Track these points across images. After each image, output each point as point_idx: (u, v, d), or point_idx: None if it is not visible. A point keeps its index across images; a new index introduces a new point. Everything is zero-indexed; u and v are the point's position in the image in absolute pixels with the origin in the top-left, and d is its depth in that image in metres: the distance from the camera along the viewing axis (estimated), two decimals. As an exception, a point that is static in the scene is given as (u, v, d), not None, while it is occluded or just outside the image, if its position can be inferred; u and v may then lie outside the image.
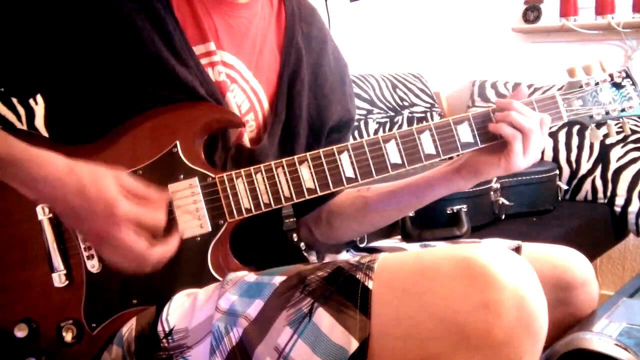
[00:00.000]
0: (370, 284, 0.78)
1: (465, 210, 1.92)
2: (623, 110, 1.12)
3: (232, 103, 1.02)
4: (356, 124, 2.40)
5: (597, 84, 1.11)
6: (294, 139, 1.09)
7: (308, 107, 1.10)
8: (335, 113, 1.15)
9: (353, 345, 0.75)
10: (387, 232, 1.89)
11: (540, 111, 1.06)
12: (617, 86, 1.12)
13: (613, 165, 2.31)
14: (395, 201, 1.12)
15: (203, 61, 1.00)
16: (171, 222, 0.93)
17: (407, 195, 1.11)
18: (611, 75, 1.12)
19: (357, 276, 0.79)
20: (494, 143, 1.03)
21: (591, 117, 1.11)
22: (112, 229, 0.84)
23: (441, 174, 1.08)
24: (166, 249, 0.89)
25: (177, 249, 0.91)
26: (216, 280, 0.93)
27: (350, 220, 1.16)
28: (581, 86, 1.11)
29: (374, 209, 1.13)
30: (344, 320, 0.76)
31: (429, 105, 2.70)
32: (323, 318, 0.77)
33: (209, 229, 0.95)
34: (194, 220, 0.94)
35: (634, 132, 2.29)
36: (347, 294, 0.78)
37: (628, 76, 1.13)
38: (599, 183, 2.32)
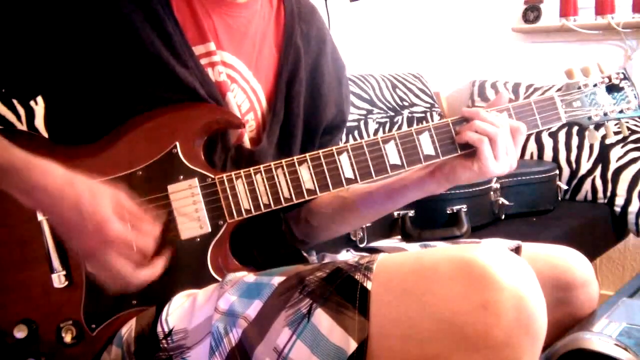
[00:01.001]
0: (369, 285, 0.78)
1: (465, 210, 1.92)
2: (621, 111, 1.13)
3: (232, 103, 1.02)
4: (356, 124, 2.40)
5: (595, 85, 1.11)
6: (291, 139, 1.09)
7: (304, 106, 1.10)
8: (330, 114, 1.15)
9: (352, 346, 0.75)
10: (387, 232, 1.89)
11: (539, 112, 1.06)
12: (616, 87, 1.13)
13: (613, 165, 2.31)
14: (371, 202, 1.12)
15: (203, 61, 1.00)
16: (169, 218, 0.93)
17: (382, 196, 1.11)
18: (609, 77, 1.13)
19: (356, 277, 0.79)
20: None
21: (589, 118, 1.11)
22: (100, 247, 0.84)
23: (416, 177, 1.08)
24: (150, 272, 0.89)
25: (178, 244, 0.91)
26: (216, 280, 0.93)
27: (328, 220, 1.16)
28: (579, 87, 1.11)
29: (351, 209, 1.14)
30: (342, 321, 0.76)
31: (429, 106, 2.70)
32: (322, 319, 0.77)
33: (209, 229, 0.95)
34: (194, 221, 0.94)
35: (633, 132, 2.29)
36: (345, 294, 0.78)
37: (626, 77, 1.14)
38: (598, 183, 2.32)
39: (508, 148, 1.00)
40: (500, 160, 1.00)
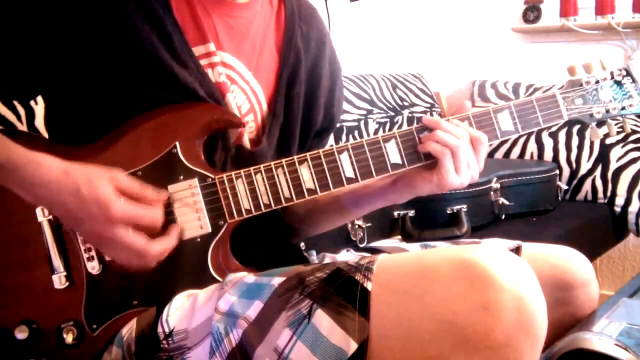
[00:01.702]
0: (369, 286, 0.78)
1: (465, 210, 1.92)
2: (623, 108, 1.12)
3: (232, 104, 1.02)
4: (356, 124, 2.40)
5: (597, 82, 1.11)
6: (290, 141, 1.09)
7: (302, 108, 1.10)
8: (322, 116, 1.15)
9: (352, 346, 0.75)
10: (387, 232, 1.89)
11: (541, 110, 1.06)
12: (618, 84, 1.12)
13: (613, 165, 2.31)
14: (339, 206, 1.12)
15: (203, 62, 1.00)
16: (169, 219, 0.93)
17: (349, 202, 1.11)
18: (612, 74, 1.12)
19: (356, 277, 0.79)
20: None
21: (591, 115, 1.11)
22: (108, 229, 0.84)
23: (379, 185, 1.07)
24: (166, 242, 0.89)
25: (178, 243, 0.91)
26: (216, 281, 0.93)
27: (300, 220, 1.17)
28: (581, 84, 1.10)
29: (321, 212, 1.14)
30: (342, 322, 0.76)
31: (429, 106, 2.70)
32: (322, 319, 0.77)
33: (209, 229, 0.95)
34: (194, 221, 0.94)
35: (634, 131, 2.29)
36: (346, 295, 0.78)
37: (629, 74, 1.13)
38: (599, 183, 2.32)
39: (469, 160, 0.99)
40: (461, 173, 0.98)
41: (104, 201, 0.84)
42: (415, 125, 1.02)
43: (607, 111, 1.11)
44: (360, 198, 1.10)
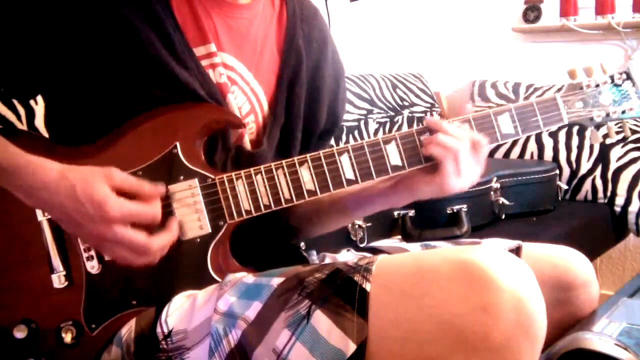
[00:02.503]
0: (368, 286, 0.78)
1: (466, 210, 1.92)
2: (624, 112, 1.12)
3: (232, 105, 1.02)
4: (356, 124, 2.40)
5: (597, 85, 1.11)
6: (291, 142, 1.09)
7: (304, 109, 1.10)
8: (325, 117, 1.15)
9: (351, 347, 0.75)
10: (387, 232, 1.89)
11: (541, 113, 1.06)
12: (618, 88, 1.12)
13: (613, 165, 2.31)
14: (342, 207, 1.13)
15: (204, 63, 0.99)
16: (168, 213, 0.93)
17: (351, 203, 1.11)
18: (612, 77, 1.12)
19: (355, 278, 0.79)
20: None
21: (592, 119, 1.11)
22: (107, 229, 0.84)
23: (380, 188, 1.07)
24: (167, 235, 0.89)
25: (178, 242, 0.91)
26: (216, 281, 0.93)
27: (303, 221, 1.17)
28: (582, 88, 1.10)
29: (325, 212, 1.14)
30: (341, 323, 0.76)
31: (429, 105, 2.70)
32: (321, 320, 0.77)
33: (209, 230, 0.95)
34: (194, 221, 0.94)
35: (634, 132, 2.29)
36: (344, 296, 0.78)
37: (629, 78, 1.13)
38: (599, 183, 2.32)
39: (471, 163, 0.99)
40: (462, 176, 0.98)
41: (100, 201, 0.83)
42: (415, 127, 1.02)
43: (608, 115, 1.11)
44: (362, 200, 1.10)
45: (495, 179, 2.05)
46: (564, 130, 2.40)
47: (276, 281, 0.84)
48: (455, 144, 0.98)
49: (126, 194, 0.86)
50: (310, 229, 1.19)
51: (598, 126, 1.13)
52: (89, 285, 0.93)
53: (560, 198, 2.30)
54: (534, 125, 1.06)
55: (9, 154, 0.85)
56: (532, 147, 2.47)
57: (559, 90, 1.11)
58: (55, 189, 0.84)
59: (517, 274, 0.74)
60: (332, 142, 1.22)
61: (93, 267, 0.93)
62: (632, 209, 2.25)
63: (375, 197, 1.09)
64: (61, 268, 0.93)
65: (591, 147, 2.35)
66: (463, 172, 0.98)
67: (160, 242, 0.88)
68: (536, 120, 1.06)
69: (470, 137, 1.00)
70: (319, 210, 1.14)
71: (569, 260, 1.11)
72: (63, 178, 0.84)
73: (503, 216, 2.09)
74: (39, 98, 1.04)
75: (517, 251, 1.07)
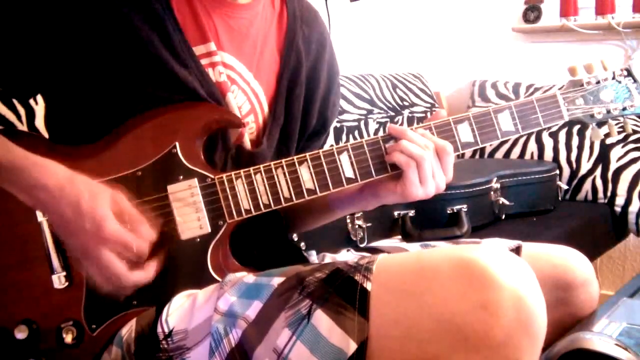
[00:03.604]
0: (368, 286, 0.78)
1: (466, 210, 1.92)
2: (624, 109, 1.11)
3: (232, 104, 1.02)
4: (356, 124, 2.40)
5: (598, 82, 1.10)
6: (289, 142, 1.09)
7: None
8: (316, 119, 1.15)
9: (351, 347, 0.75)
10: (387, 232, 1.89)
11: (541, 110, 1.06)
12: (619, 85, 1.12)
13: (613, 165, 2.31)
14: (313, 208, 1.13)
15: (203, 62, 0.99)
16: (167, 213, 0.93)
17: (333, 202, 1.11)
18: (613, 74, 1.11)
19: (356, 277, 0.79)
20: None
21: (592, 116, 1.10)
22: (96, 247, 0.84)
23: (349, 192, 1.07)
24: (144, 275, 0.89)
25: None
26: (216, 281, 0.93)
27: (294, 214, 1.17)
28: (582, 85, 1.10)
29: (314, 208, 1.14)
30: (342, 322, 0.76)
31: (429, 105, 2.70)
32: (321, 320, 0.77)
33: (209, 229, 0.95)
34: (194, 221, 0.94)
35: (634, 132, 2.29)
36: (345, 295, 0.78)
37: (630, 74, 1.12)
38: (599, 183, 2.32)
39: (435, 171, 0.97)
40: (425, 184, 0.97)
41: (100, 219, 0.84)
42: (381, 134, 1.01)
43: (608, 111, 1.11)
44: (332, 202, 1.11)
45: (495, 179, 2.05)
46: (564, 130, 2.40)
47: (276, 281, 0.84)
48: (418, 151, 0.96)
49: (124, 223, 0.86)
50: (299, 223, 1.20)
51: (599, 123, 1.13)
52: (89, 285, 0.93)
53: (560, 198, 2.30)
54: (534, 123, 1.06)
55: (14, 154, 0.85)
56: (532, 147, 2.46)
57: (560, 89, 1.10)
58: (60, 194, 0.84)
59: (517, 272, 0.74)
60: (332, 141, 1.22)
61: (93, 267, 0.93)
62: (632, 209, 2.25)
63: (343, 201, 1.09)
64: (61, 268, 0.93)
65: (591, 147, 2.35)
66: (427, 180, 0.97)
67: (136, 279, 0.88)
68: (536, 117, 1.06)
69: (435, 144, 0.98)
70: (310, 206, 1.14)
71: (568, 260, 1.11)
72: (70, 184, 0.84)
73: (503, 216, 2.09)
74: (39, 98, 1.04)
75: (517, 251, 1.07)
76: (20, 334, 0.91)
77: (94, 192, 0.85)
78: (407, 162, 0.96)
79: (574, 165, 2.37)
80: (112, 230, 0.84)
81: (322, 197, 1.02)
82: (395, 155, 0.98)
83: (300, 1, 1.14)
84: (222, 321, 0.83)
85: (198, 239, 0.95)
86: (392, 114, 2.56)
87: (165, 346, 0.86)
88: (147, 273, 0.89)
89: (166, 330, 0.87)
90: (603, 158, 2.33)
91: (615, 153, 2.31)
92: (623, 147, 2.31)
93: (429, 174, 0.97)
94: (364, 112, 2.45)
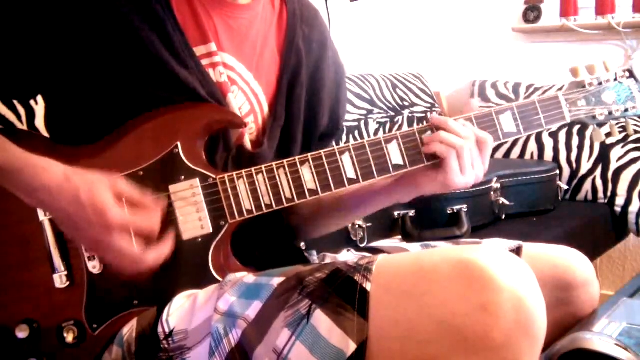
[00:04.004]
0: (368, 286, 0.78)
1: (466, 210, 1.92)
2: (626, 110, 1.11)
3: (233, 104, 1.02)
4: (356, 124, 2.40)
5: (600, 83, 1.10)
6: (292, 143, 1.09)
7: (304, 111, 1.10)
8: (327, 119, 1.15)
9: (351, 347, 0.75)
10: (387, 232, 1.89)
11: (543, 112, 1.06)
12: (621, 86, 1.11)
13: (613, 165, 2.31)
14: (343, 207, 1.13)
15: (204, 62, 0.99)
16: (167, 225, 0.93)
17: (353, 202, 1.12)
18: (615, 75, 1.11)
19: (355, 278, 0.79)
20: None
21: (594, 117, 1.10)
22: (105, 235, 0.85)
23: (383, 184, 1.07)
24: (160, 251, 0.89)
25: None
26: (217, 281, 0.93)
27: (304, 222, 1.17)
28: (584, 86, 1.10)
29: (325, 212, 1.14)
30: (341, 323, 0.76)
31: (429, 105, 2.70)
32: (321, 320, 0.77)
33: (210, 229, 0.95)
34: (195, 221, 0.94)
35: (635, 132, 2.29)
36: (345, 296, 0.78)
37: (632, 76, 1.12)
38: (599, 183, 2.32)
39: (474, 160, 0.99)
40: (465, 173, 0.99)
41: (102, 208, 0.84)
42: (416, 126, 1.02)
43: (610, 113, 1.10)
44: (365, 198, 1.11)
45: (495, 179, 2.05)
46: (564, 130, 2.41)
47: (276, 281, 0.84)
48: (458, 142, 0.98)
49: (128, 203, 0.87)
50: (312, 229, 1.20)
51: (600, 125, 1.12)
52: (91, 285, 0.93)
53: (560, 198, 2.31)
54: (537, 124, 1.06)
55: (9, 153, 0.85)
56: (532, 147, 2.47)
57: (561, 89, 1.10)
58: (58, 191, 0.84)
59: (517, 273, 0.74)
60: (333, 142, 1.22)
61: (94, 267, 0.93)
62: (632, 209, 2.25)
63: (378, 194, 1.09)
64: (62, 268, 0.93)
65: (591, 147, 2.36)
66: (466, 169, 0.99)
67: (154, 256, 0.88)
68: (538, 118, 1.06)
69: (475, 135, 1.00)
70: (321, 210, 1.15)
71: (569, 260, 1.11)
72: (67, 181, 0.84)
73: (503, 216, 2.09)
74: (39, 98, 1.04)
75: (517, 251, 1.07)
76: (22, 333, 0.91)
77: (91, 183, 0.85)
78: (448, 151, 0.98)
79: (574, 166, 2.37)
80: (117, 216, 0.84)
81: (347, 196, 1.03)
82: (435, 145, 0.99)
83: (300, 1, 1.14)
84: (222, 321, 0.83)
85: (200, 239, 0.95)
86: (392, 114, 2.56)
87: (166, 346, 0.86)
88: (163, 249, 0.90)
89: (167, 330, 0.87)
90: (603, 158, 2.33)
91: (615, 153, 2.31)
92: (623, 147, 2.31)
93: (469, 163, 0.99)
94: (364, 112, 2.46)
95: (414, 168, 1.01)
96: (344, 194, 1.10)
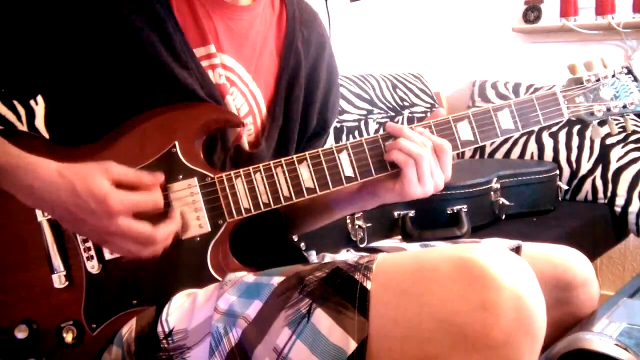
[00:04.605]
0: (368, 285, 0.78)
1: (466, 210, 1.92)
2: (625, 107, 1.11)
3: (231, 106, 1.02)
4: (356, 124, 2.40)
5: (598, 80, 1.10)
6: (288, 144, 1.09)
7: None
8: (316, 120, 1.15)
9: (351, 346, 0.75)
10: (387, 232, 1.89)
11: (541, 108, 1.06)
12: (619, 83, 1.11)
13: (613, 166, 2.31)
14: (313, 209, 1.13)
15: (203, 63, 0.99)
16: (168, 202, 0.93)
17: (320, 205, 1.11)
18: (613, 72, 1.11)
19: (356, 277, 0.79)
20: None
21: (592, 113, 1.09)
22: (110, 223, 0.84)
23: (347, 191, 1.06)
24: (171, 224, 0.90)
25: (178, 241, 0.91)
26: (216, 280, 0.93)
27: (295, 214, 1.17)
28: (582, 82, 1.09)
29: (315, 208, 1.14)
30: (342, 321, 0.76)
31: (429, 105, 2.70)
32: (321, 319, 0.77)
33: (209, 229, 0.95)
34: (193, 220, 0.94)
35: (634, 131, 2.29)
36: (345, 294, 0.78)
37: (630, 72, 1.12)
38: (599, 183, 2.32)
39: (433, 169, 0.97)
40: (423, 182, 0.97)
41: (101, 195, 0.83)
42: (380, 132, 1.01)
43: (608, 109, 1.10)
44: (331, 202, 1.11)
45: (495, 179, 2.05)
46: (564, 130, 2.41)
47: (276, 280, 0.84)
48: (416, 149, 0.96)
49: (126, 186, 0.86)
50: (299, 224, 1.20)
51: (599, 122, 1.12)
52: (89, 285, 0.93)
53: (560, 198, 2.31)
54: (534, 121, 1.06)
55: (7, 154, 0.84)
56: (532, 147, 2.47)
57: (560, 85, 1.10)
58: (55, 188, 0.84)
59: (517, 271, 0.74)
60: (332, 141, 1.22)
61: (93, 266, 0.93)
62: (632, 209, 2.25)
63: (342, 201, 1.09)
64: (61, 268, 0.93)
65: (591, 147, 2.35)
66: (425, 178, 0.97)
67: (165, 231, 0.88)
68: (536, 115, 1.06)
69: (432, 142, 0.98)
70: (310, 206, 1.14)
71: (568, 260, 1.11)
72: (61, 176, 0.84)
73: (503, 216, 2.09)
74: (39, 98, 1.04)
75: (517, 251, 1.07)
76: (21, 333, 0.91)
77: (85, 173, 0.84)
78: (406, 160, 0.96)
79: (574, 166, 2.37)
80: (118, 200, 0.84)
81: (322, 197, 1.02)
82: (393, 153, 0.98)
83: (299, 3, 1.14)
84: (222, 320, 0.83)
85: (198, 238, 0.95)
86: (392, 114, 2.56)
87: (166, 346, 0.86)
88: (173, 220, 0.90)
89: (166, 329, 0.87)
90: (603, 158, 2.33)
91: (615, 153, 2.31)
92: (623, 147, 2.31)
93: (427, 172, 0.97)
94: (364, 112, 2.45)
95: (370, 178, 1.00)
96: (316, 198, 1.07)
